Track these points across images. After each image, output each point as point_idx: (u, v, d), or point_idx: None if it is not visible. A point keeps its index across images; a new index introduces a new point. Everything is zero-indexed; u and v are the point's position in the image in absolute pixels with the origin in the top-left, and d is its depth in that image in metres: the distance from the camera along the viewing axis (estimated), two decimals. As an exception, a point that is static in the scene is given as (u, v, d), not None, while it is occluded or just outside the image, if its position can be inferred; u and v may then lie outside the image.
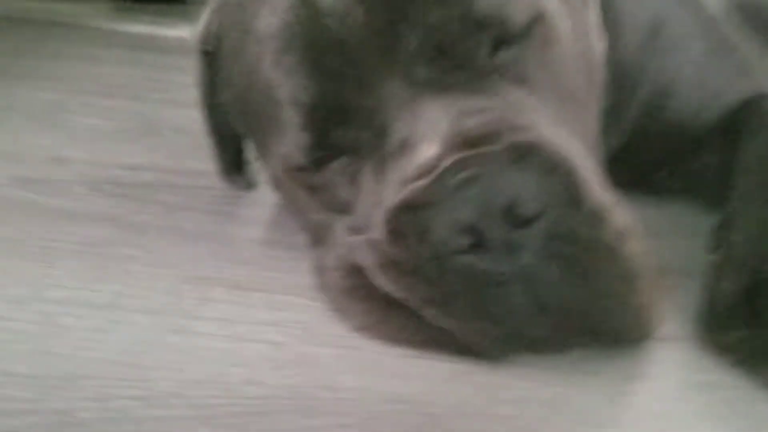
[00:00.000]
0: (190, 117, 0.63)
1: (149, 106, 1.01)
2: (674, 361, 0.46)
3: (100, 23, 2.00)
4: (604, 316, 0.42)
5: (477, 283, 0.40)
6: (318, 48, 0.46)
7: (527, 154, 0.40)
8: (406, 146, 0.45)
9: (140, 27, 2.06)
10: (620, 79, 0.72)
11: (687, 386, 0.44)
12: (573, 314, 0.41)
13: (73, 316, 0.44)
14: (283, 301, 0.48)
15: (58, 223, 0.58)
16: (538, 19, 0.47)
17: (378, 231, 0.43)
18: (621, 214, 0.44)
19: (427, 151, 0.43)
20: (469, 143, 0.41)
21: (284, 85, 0.47)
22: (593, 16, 0.57)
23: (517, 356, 0.42)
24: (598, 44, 0.57)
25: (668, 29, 0.74)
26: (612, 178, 0.80)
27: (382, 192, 0.45)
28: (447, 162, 0.41)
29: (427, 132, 0.44)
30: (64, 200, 0.63)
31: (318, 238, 0.53)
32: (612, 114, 0.73)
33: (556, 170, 0.40)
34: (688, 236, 0.61)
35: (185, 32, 1.94)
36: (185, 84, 0.58)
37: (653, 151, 0.76)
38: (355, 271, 0.45)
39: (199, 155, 0.69)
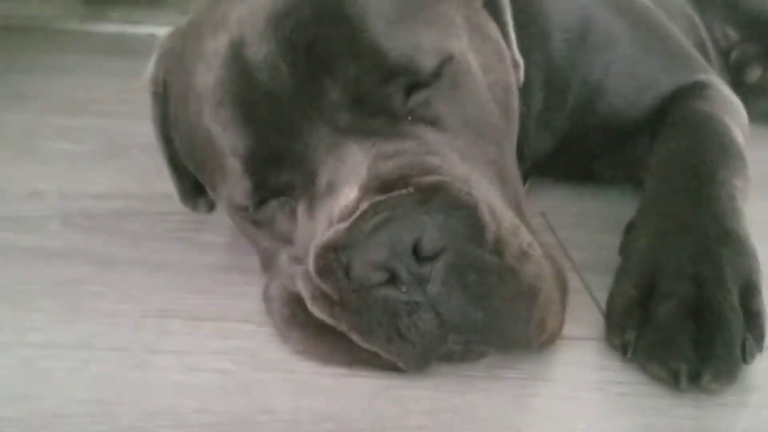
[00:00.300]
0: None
1: (117, 123, 1.06)
2: (576, 361, 0.53)
3: (72, 24, 2.03)
4: (507, 330, 0.48)
5: (393, 311, 0.46)
6: (250, 101, 0.52)
7: (433, 195, 0.47)
8: (331, 188, 0.51)
9: (111, 26, 2.09)
10: (552, 82, 0.78)
11: (585, 385, 0.51)
12: (480, 331, 0.47)
13: (52, 359, 0.51)
14: (234, 328, 0.55)
15: (34, 264, 0.64)
16: (447, 61, 0.53)
17: (310, 265, 0.49)
18: (523, 235, 0.50)
19: (349, 193, 0.49)
20: (383, 187, 0.48)
21: (223, 137, 0.53)
22: (508, 42, 0.62)
23: (433, 368, 0.49)
24: (513, 70, 0.62)
25: (596, 29, 0.79)
26: (555, 171, 0.87)
27: (314, 228, 0.52)
28: (364, 206, 0.47)
29: (349, 176, 0.50)
30: (39, 238, 0.69)
31: (266, 264, 0.59)
32: (546, 114, 0.80)
33: (458, 208, 0.47)
34: (617, 231, 0.66)
35: (156, 29, 1.97)
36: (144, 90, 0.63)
37: (591, 143, 0.82)
38: (294, 300, 0.52)
39: (163, 176, 0.74)
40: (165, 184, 0.75)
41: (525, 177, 0.80)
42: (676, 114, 0.72)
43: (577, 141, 0.82)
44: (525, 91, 0.71)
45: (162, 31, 1.99)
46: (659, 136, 0.70)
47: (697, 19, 1.25)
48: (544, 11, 0.75)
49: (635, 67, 0.77)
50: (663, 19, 0.83)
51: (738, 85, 1.30)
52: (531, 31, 0.73)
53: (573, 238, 0.73)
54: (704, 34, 1.24)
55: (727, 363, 0.48)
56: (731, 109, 0.74)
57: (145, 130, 1.00)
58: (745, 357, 0.49)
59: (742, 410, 0.49)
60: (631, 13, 0.80)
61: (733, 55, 1.32)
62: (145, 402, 0.46)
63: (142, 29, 1.99)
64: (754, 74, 1.32)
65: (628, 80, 0.77)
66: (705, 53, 1.19)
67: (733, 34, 1.32)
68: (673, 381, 0.49)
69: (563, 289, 0.53)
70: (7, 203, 0.76)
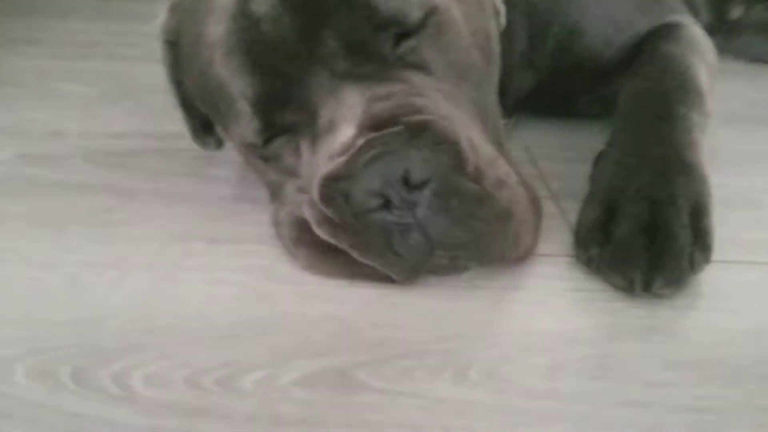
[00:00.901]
0: (161, 74, 0.73)
1: (124, 65, 1.12)
2: (548, 274, 0.61)
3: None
4: (486, 246, 0.56)
5: (387, 231, 0.54)
6: (256, 50, 0.58)
7: (420, 132, 0.54)
8: (331, 126, 0.58)
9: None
10: (534, 25, 0.84)
11: (554, 292, 0.59)
12: (463, 247, 0.55)
13: (91, 274, 0.59)
14: (249, 249, 0.63)
15: (64, 196, 0.71)
16: (432, 12, 0.59)
17: (314, 194, 0.56)
18: (501, 165, 0.57)
19: (346, 131, 0.56)
20: (376, 125, 0.55)
21: (233, 82, 0.59)
22: None
23: (422, 280, 0.57)
24: (494, 17, 0.68)
25: None
26: (539, 107, 0.94)
27: (317, 161, 0.59)
28: (360, 142, 0.54)
29: (347, 115, 0.57)
30: (65, 173, 0.76)
31: (274, 194, 0.66)
32: (529, 54, 0.86)
33: (442, 143, 0.54)
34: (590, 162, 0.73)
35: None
36: (152, 35, 0.69)
37: (571, 81, 0.89)
38: (301, 224, 0.59)
39: (174, 116, 0.81)
40: (175, 123, 0.81)
41: (510, 113, 0.87)
42: (644, 54, 0.78)
43: (559, 79, 0.88)
44: (509, 33, 0.76)
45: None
46: (628, 75, 0.77)
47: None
48: None
49: (610, 10, 0.83)
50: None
51: (720, 20, 1.35)
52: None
53: (553, 168, 0.80)
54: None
55: (675, 272, 0.56)
56: (698, 49, 0.80)
57: (150, 73, 1.05)
58: (693, 267, 0.57)
59: (689, 312, 0.57)
60: None
61: (717, -10, 1.36)
62: (176, 307, 0.55)
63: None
64: (736, 11, 1.37)
65: (604, 22, 0.83)
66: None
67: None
68: (629, 288, 0.57)
69: (537, 212, 0.61)
70: (32, 142, 0.83)
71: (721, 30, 1.32)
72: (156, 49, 0.70)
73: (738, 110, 1.01)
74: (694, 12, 1.22)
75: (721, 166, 0.80)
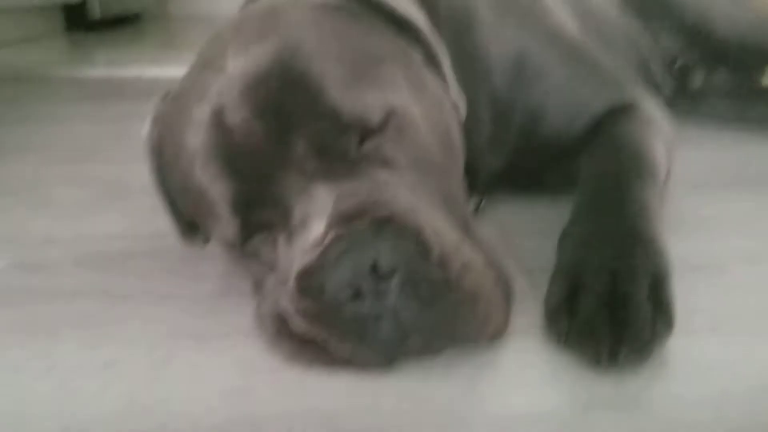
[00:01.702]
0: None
1: (117, 168, 1.17)
2: (523, 348, 0.64)
3: (60, 71, 2.14)
4: (456, 329, 0.59)
5: (361, 321, 0.57)
6: (232, 158, 0.63)
7: (386, 224, 0.58)
8: (304, 222, 0.62)
9: (98, 70, 2.20)
10: (498, 110, 0.90)
11: (529, 364, 0.62)
12: (434, 331, 0.58)
13: (83, 379, 0.61)
14: (235, 342, 0.66)
15: (58, 302, 0.74)
16: (391, 114, 0.64)
17: (291, 287, 0.59)
18: (465, 251, 0.61)
19: (318, 227, 0.60)
20: (345, 220, 0.59)
21: (212, 188, 0.64)
22: (447, 89, 0.73)
23: (400, 364, 0.60)
24: (453, 110, 0.73)
25: (531, 62, 0.91)
26: (512, 185, 0.98)
27: (293, 256, 0.62)
28: (330, 237, 0.58)
29: (318, 212, 0.61)
30: (58, 279, 0.79)
31: (257, 287, 0.70)
32: (496, 138, 0.91)
33: (407, 233, 0.57)
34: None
35: (141, 70, 2.08)
36: (141, 137, 0.73)
37: (538, 159, 0.94)
38: (281, 317, 0.62)
39: (164, 216, 0.85)
40: (166, 222, 0.85)
41: (482, 192, 0.91)
42: (602, 135, 0.84)
43: (527, 158, 0.93)
44: (474, 120, 0.82)
45: (147, 72, 2.12)
46: (587, 156, 0.82)
47: (640, 31, 1.36)
48: (484, 53, 0.87)
49: (568, 95, 0.89)
50: (591, 48, 0.95)
51: (683, 89, 1.42)
52: (474, 71, 0.85)
53: (526, 243, 0.84)
54: (647, 46, 1.36)
55: (638, 343, 0.59)
56: (653, 126, 0.86)
57: (142, 173, 1.11)
58: (655, 338, 0.60)
59: (654, 382, 0.59)
60: (561, 46, 0.92)
61: (678, 61, 1.43)
62: (163, 409, 0.57)
63: (128, 72, 2.10)
64: (697, 79, 1.44)
65: (564, 105, 0.89)
66: (646, 66, 1.31)
67: (677, 41, 1.42)
68: (596, 361, 0.59)
69: (506, 292, 0.64)
70: (27, 249, 0.87)
71: (686, 100, 1.39)
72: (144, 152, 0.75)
73: (703, 176, 1.06)
74: (655, 86, 1.29)
75: (686, 232, 0.85)
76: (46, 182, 1.11)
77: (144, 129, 0.75)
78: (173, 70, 0.77)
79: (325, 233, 0.59)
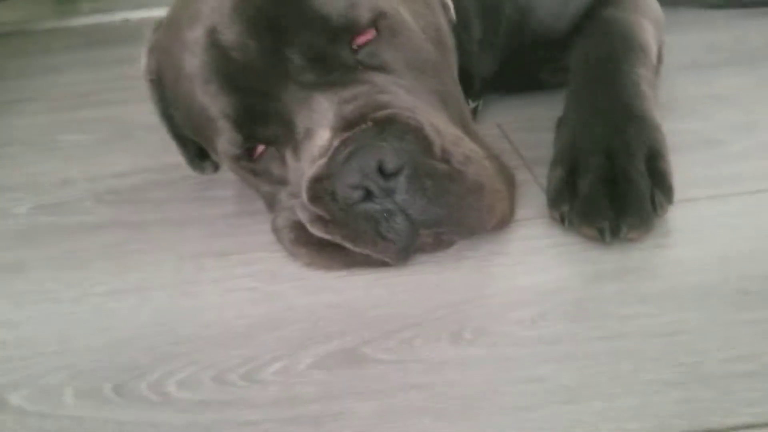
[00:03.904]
0: (152, 113, 0.79)
1: (117, 110, 1.18)
2: (526, 236, 0.67)
3: (47, 24, 2.11)
4: (463, 219, 0.61)
5: (373, 219, 0.60)
6: (231, 75, 0.64)
7: (387, 125, 0.59)
8: (308, 133, 0.64)
9: (84, 19, 2.17)
10: (486, 10, 0.90)
11: (532, 251, 0.65)
12: (442, 223, 0.61)
13: (116, 301, 0.65)
14: (254, 257, 0.69)
15: (81, 237, 0.78)
16: (381, 17, 0.65)
17: (303, 196, 0.62)
18: (466, 144, 0.63)
19: (323, 135, 0.62)
20: (348, 125, 0.60)
21: (213, 106, 0.65)
22: None
23: (412, 259, 0.63)
24: (443, 12, 0.74)
25: None
26: (506, 85, 0.99)
27: (302, 167, 0.65)
28: (335, 143, 0.60)
29: (320, 121, 0.63)
30: (80, 216, 0.82)
31: (270, 204, 0.72)
32: (486, 38, 0.92)
33: (408, 132, 0.59)
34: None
35: (127, 14, 2.06)
36: (138, 76, 0.75)
37: (531, 56, 0.95)
38: (297, 226, 0.65)
39: (169, 150, 0.87)
40: (172, 156, 0.88)
41: (479, 95, 0.92)
42: (591, 21, 0.84)
43: (519, 56, 0.93)
44: (464, 22, 0.82)
45: (134, 15, 2.09)
46: (576, 43, 0.82)
47: None
48: None
49: None
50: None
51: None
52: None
53: (525, 139, 0.86)
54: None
55: (639, 216, 0.61)
56: (640, 7, 0.86)
57: (141, 112, 1.12)
58: (656, 209, 0.63)
59: (657, 250, 0.62)
60: None
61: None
62: (197, 318, 0.61)
63: (115, 16, 2.08)
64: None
65: (550, 2, 0.89)
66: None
67: None
68: (600, 237, 0.62)
69: (509, 182, 0.67)
70: (46, 192, 0.90)
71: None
72: (143, 90, 0.77)
73: (695, 56, 1.06)
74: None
75: (682, 111, 0.86)
76: (51, 129, 1.13)
77: (141, 61, 0.76)
78: (159, 11, 0.77)
79: (331, 140, 0.61)
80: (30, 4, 2.53)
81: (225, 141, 0.66)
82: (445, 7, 0.74)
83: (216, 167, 0.85)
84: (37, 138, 1.11)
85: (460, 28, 0.79)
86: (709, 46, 1.11)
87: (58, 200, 0.87)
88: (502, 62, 0.93)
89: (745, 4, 1.27)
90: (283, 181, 0.69)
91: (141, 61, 0.76)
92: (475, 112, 0.91)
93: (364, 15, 0.63)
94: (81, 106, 1.24)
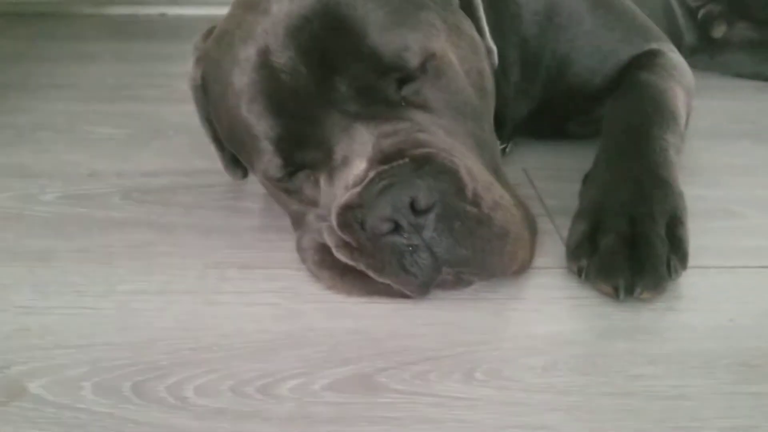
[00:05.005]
0: (185, 113, 0.80)
1: (149, 107, 1.20)
2: (544, 284, 0.69)
3: (85, 8, 2.14)
4: (486, 262, 0.63)
5: (399, 252, 0.62)
6: (278, 97, 0.66)
7: (424, 163, 0.62)
8: (345, 161, 0.66)
9: (122, 8, 2.19)
10: (526, 57, 0.93)
11: (549, 300, 0.67)
12: (466, 263, 0.63)
13: (140, 302, 0.67)
14: (278, 273, 0.71)
15: (108, 232, 0.79)
16: (430, 58, 0.67)
17: (333, 221, 0.64)
18: (497, 190, 0.65)
19: (359, 165, 0.64)
20: (385, 159, 0.63)
21: (257, 125, 0.68)
22: (481, 34, 0.76)
23: (432, 294, 0.65)
24: (487, 57, 0.76)
25: (560, 10, 0.93)
26: (535, 132, 1.02)
27: (334, 192, 0.67)
28: (371, 174, 0.62)
29: (359, 151, 0.65)
30: (107, 211, 0.84)
31: (296, 222, 0.74)
32: (523, 84, 0.94)
33: (444, 172, 0.62)
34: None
35: (165, 9, 2.08)
36: (173, 75, 0.76)
37: (563, 107, 0.98)
38: (323, 248, 0.67)
39: (200, 153, 0.89)
40: (202, 161, 0.90)
41: (508, 139, 0.95)
42: (626, 82, 0.87)
43: (551, 105, 0.96)
44: (503, 66, 0.85)
45: (171, 11, 2.11)
46: (611, 102, 0.85)
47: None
48: (513, 2, 0.89)
49: (596, 42, 0.92)
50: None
51: (705, 40, 1.44)
52: (505, 17, 0.87)
53: (549, 187, 0.88)
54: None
55: (654, 277, 0.64)
56: (674, 74, 0.89)
57: (174, 112, 1.14)
58: (670, 273, 0.65)
59: (668, 313, 0.64)
60: None
61: (701, 13, 1.45)
62: (218, 327, 0.63)
63: (152, 9, 2.11)
64: (719, 30, 1.45)
65: (591, 53, 0.92)
66: (671, 16, 1.32)
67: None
68: (615, 294, 0.64)
69: (532, 230, 0.69)
70: (74, 183, 0.91)
71: (706, 49, 1.41)
72: (179, 90, 0.79)
73: (721, 125, 1.09)
74: (679, 35, 1.31)
75: (702, 179, 0.89)
76: (81, 119, 1.15)
77: (188, 67, 0.78)
78: (197, 9, 0.80)
79: (366, 171, 0.63)
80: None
81: (265, 162, 0.69)
82: (490, 52, 0.76)
83: (246, 173, 0.87)
84: (67, 126, 1.13)
85: (500, 73, 0.82)
86: (732, 115, 1.14)
87: (86, 192, 0.89)
88: (534, 109, 0.96)
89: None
90: (313, 203, 0.71)
91: (188, 68, 0.78)
92: (503, 153, 0.93)
93: (416, 59, 0.65)
94: (112, 98, 1.26)
